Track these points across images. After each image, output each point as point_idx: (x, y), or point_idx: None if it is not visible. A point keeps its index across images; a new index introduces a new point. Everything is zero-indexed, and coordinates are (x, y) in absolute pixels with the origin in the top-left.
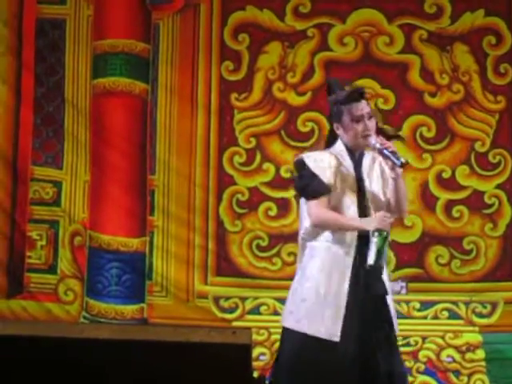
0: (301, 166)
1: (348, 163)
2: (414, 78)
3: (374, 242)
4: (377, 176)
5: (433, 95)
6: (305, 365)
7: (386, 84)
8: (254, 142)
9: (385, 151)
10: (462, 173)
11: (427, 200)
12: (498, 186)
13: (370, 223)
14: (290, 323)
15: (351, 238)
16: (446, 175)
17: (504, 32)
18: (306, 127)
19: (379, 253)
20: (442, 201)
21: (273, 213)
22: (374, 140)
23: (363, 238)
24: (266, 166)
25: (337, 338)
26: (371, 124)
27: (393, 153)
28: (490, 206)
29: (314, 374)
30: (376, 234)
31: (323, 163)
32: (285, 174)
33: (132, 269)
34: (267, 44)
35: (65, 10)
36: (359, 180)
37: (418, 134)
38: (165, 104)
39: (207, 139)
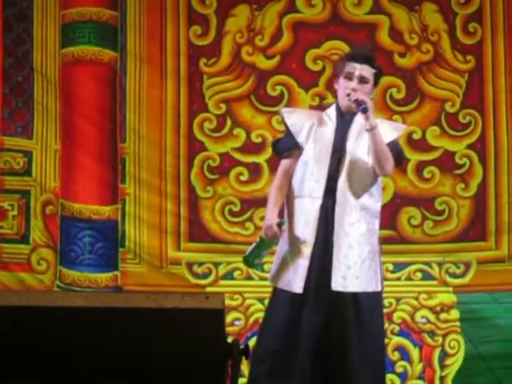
0: (282, 120)
1: (331, 124)
2: (383, 38)
3: (256, 241)
4: (366, 140)
5: (402, 56)
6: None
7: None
8: (224, 107)
9: (356, 102)
10: (433, 133)
11: None
12: (469, 146)
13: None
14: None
15: (317, 190)
16: (416, 136)
17: None
18: (276, 91)
19: (255, 251)
20: (413, 162)
21: (244, 178)
22: (353, 95)
23: (330, 191)
24: (236, 131)
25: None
26: (361, 87)
27: (362, 101)
28: (461, 166)
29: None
30: (259, 238)
31: (299, 120)
32: (255, 139)
33: (105, 237)
34: (235, 7)
35: None
36: (339, 141)
37: (387, 96)
38: (134, 71)
39: (177, 106)
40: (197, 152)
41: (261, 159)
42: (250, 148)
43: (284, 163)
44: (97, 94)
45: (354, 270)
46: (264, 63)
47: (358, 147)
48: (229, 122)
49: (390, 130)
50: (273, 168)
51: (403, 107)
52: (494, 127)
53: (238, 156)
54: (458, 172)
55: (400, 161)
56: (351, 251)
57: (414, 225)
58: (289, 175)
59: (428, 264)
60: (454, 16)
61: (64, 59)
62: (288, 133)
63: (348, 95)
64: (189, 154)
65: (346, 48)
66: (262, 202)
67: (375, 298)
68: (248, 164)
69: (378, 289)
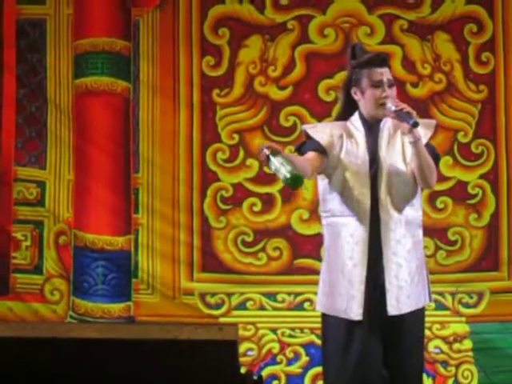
0: (305, 137)
1: (360, 136)
2: (396, 68)
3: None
4: (398, 146)
5: (415, 85)
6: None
7: None
8: (236, 137)
9: (400, 113)
10: (446, 164)
11: None
12: (482, 176)
13: None
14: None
15: (361, 208)
16: None
17: (485, 20)
18: (288, 122)
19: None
20: (425, 192)
21: (257, 208)
22: (390, 103)
23: (372, 208)
24: (249, 161)
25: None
26: (391, 92)
27: (408, 113)
28: (474, 196)
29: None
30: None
31: (325, 132)
32: (268, 170)
33: (117, 267)
34: (247, 38)
35: (45, 9)
36: (372, 153)
37: None
38: (147, 102)
39: (190, 136)
40: (210, 182)
41: (274, 189)
42: (262, 178)
43: (308, 154)
44: (110, 124)
45: (405, 289)
46: (277, 94)
47: (392, 155)
48: (241, 153)
49: (422, 131)
50: (286, 198)
51: None
52: (507, 157)
53: (250, 186)
54: (471, 202)
55: (437, 164)
56: (401, 270)
57: (427, 255)
58: (313, 163)
59: (441, 294)
60: (466, 45)
61: (77, 90)
62: (311, 138)
63: (383, 104)
64: (202, 185)
65: None
66: (275, 233)
67: (419, 313)
68: (261, 194)
69: (427, 302)
